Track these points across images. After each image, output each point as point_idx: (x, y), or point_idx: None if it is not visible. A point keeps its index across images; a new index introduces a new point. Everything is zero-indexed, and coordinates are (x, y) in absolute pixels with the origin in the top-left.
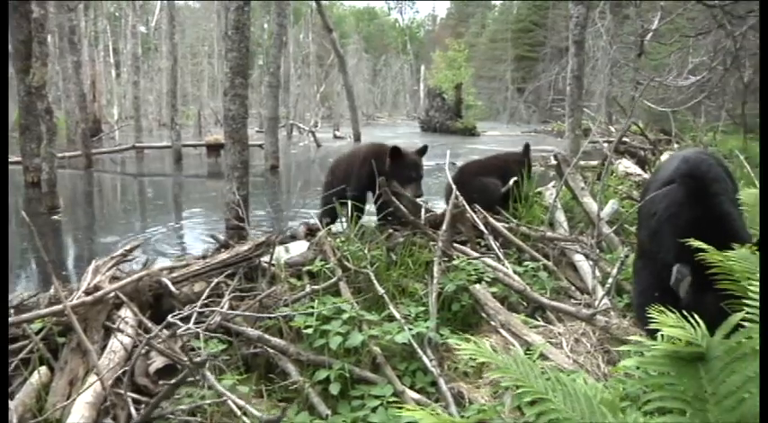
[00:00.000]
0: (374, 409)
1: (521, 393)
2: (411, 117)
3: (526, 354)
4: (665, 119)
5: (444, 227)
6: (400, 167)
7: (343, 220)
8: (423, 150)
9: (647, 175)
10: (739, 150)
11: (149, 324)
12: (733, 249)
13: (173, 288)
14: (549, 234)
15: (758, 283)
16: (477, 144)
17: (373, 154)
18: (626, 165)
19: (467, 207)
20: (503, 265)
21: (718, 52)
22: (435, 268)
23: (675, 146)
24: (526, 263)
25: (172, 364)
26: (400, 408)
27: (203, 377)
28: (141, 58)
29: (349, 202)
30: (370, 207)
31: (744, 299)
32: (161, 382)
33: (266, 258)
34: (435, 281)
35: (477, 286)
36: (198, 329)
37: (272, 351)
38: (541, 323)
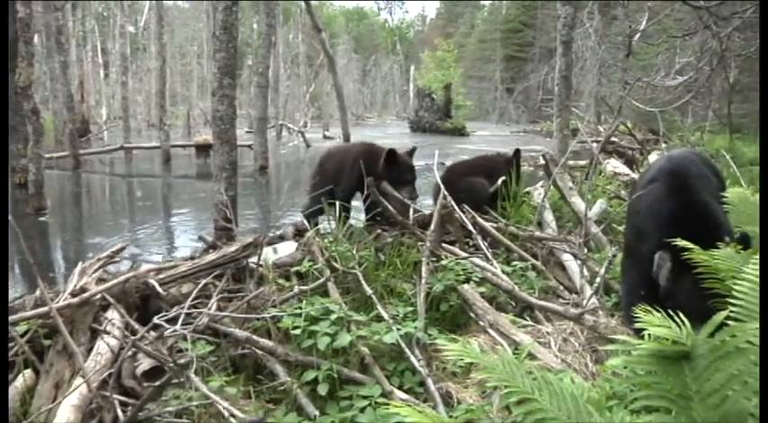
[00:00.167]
0: (362, 410)
1: (507, 393)
2: (401, 117)
3: (514, 353)
4: (653, 119)
5: (432, 227)
6: (395, 170)
7: (331, 219)
8: (411, 152)
9: (635, 175)
10: (726, 150)
11: (136, 326)
12: (714, 241)
13: (160, 289)
14: (538, 234)
15: (744, 282)
16: (466, 144)
17: (365, 154)
18: (614, 164)
19: (455, 207)
20: (491, 264)
21: (704, 53)
22: (423, 268)
23: (663, 145)
24: (514, 262)
25: (159, 365)
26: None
27: (188, 379)
28: (130, 58)
29: (337, 203)
30: (359, 205)
31: (728, 297)
32: (146, 384)
33: (254, 259)
34: (423, 281)
35: (466, 286)
36: (185, 331)
37: (260, 352)
38: (530, 323)
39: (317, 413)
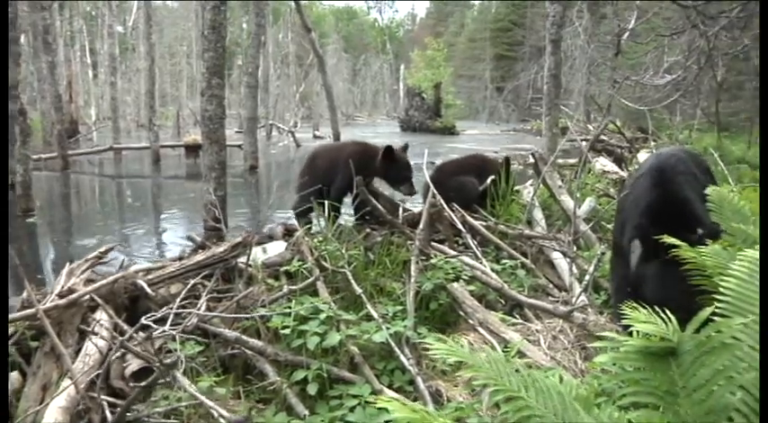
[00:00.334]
0: (352, 409)
1: (495, 391)
2: (391, 116)
3: (504, 351)
4: (642, 117)
5: (422, 226)
6: (394, 167)
7: (321, 219)
8: (404, 148)
9: (623, 173)
10: (713, 148)
11: (125, 326)
12: (688, 232)
13: (149, 290)
14: (527, 232)
15: (730, 278)
16: (456, 143)
17: (359, 153)
18: (603, 163)
19: (444, 206)
20: (480, 263)
21: (692, 52)
22: (413, 267)
23: (652, 144)
24: (504, 261)
25: (149, 366)
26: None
27: (174, 378)
28: (119, 58)
29: (326, 202)
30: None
31: (714, 293)
32: (132, 385)
33: (243, 259)
34: (413, 279)
35: (455, 285)
36: (174, 331)
37: (249, 352)
38: (519, 321)
39: (306, 413)
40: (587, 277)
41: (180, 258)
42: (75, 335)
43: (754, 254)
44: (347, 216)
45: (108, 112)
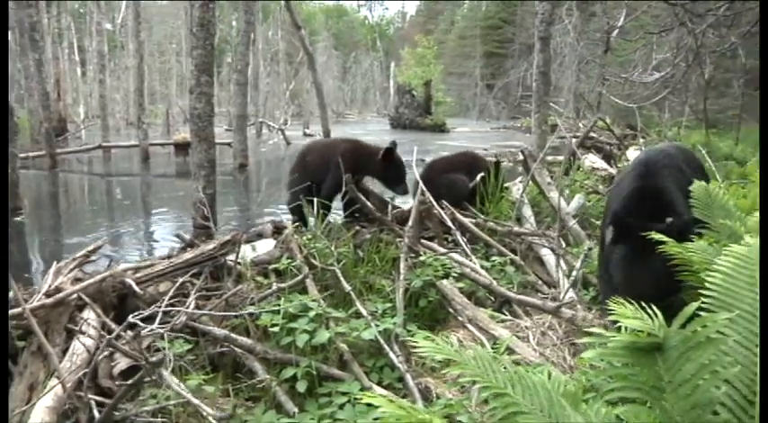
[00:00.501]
0: (341, 406)
1: (483, 388)
2: (381, 114)
3: (493, 348)
4: (632, 114)
5: (411, 223)
6: (393, 167)
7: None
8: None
9: (612, 170)
10: (701, 145)
11: (113, 325)
12: (661, 220)
13: (137, 288)
14: (516, 229)
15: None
16: (446, 140)
17: (354, 151)
18: (592, 160)
19: (434, 203)
20: (470, 260)
21: (680, 49)
22: (402, 264)
23: (641, 141)
24: (493, 258)
25: (137, 365)
26: (368, 405)
27: (160, 376)
28: (107, 55)
29: (315, 199)
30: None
31: (701, 289)
32: (118, 384)
33: (232, 257)
34: (402, 277)
35: (445, 282)
36: (162, 330)
37: (238, 350)
38: (508, 317)
39: (296, 410)
40: (575, 273)
41: (169, 257)
42: (62, 334)
43: (740, 249)
44: (337, 214)
45: (97, 110)
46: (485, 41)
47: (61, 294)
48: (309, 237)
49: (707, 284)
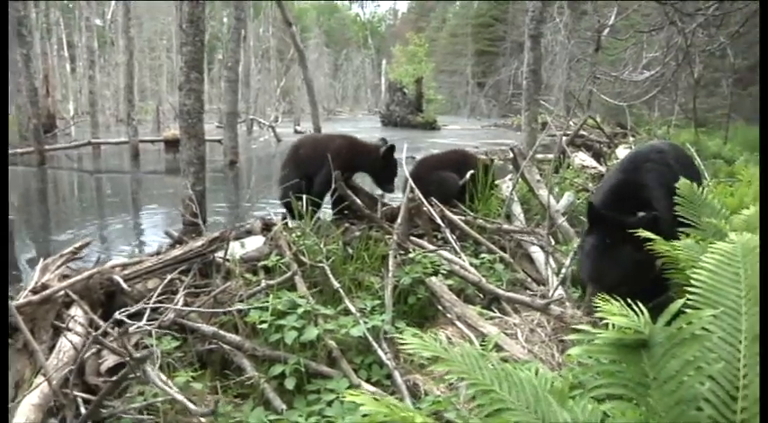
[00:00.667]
0: (330, 403)
1: (471, 385)
2: (372, 111)
3: (481, 345)
4: (622, 113)
5: (399, 220)
6: (390, 165)
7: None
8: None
9: (602, 168)
10: (691, 143)
11: (100, 322)
12: (633, 213)
13: (125, 285)
14: (506, 226)
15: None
16: (437, 138)
17: (350, 146)
18: (582, 158)
19: (423, 200)
20: (459, 257)
21: (670, 48)
22: (390, 261)
23: (631, 139)
24: (482, 255)
25: (124, 362)
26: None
27: (144, 373)
28: (97, 51)
29: (304, 196)
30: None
31: (687, 286)
32: (103, 380)
33: (221, 254)
34: (390, 274)
35: (434, 279)
36: (149, 327)
37: (227, 347)
38: (497, 314)
39: (284, 407)
40: (564, 270)
41: (157, 253)
42: (49, 331)
43: (724, 246)
44: (327, 208)
45: (86, 107)
46: (476, 39)
47: (48, 291)
48: (299, 234)
49: (692, 282)
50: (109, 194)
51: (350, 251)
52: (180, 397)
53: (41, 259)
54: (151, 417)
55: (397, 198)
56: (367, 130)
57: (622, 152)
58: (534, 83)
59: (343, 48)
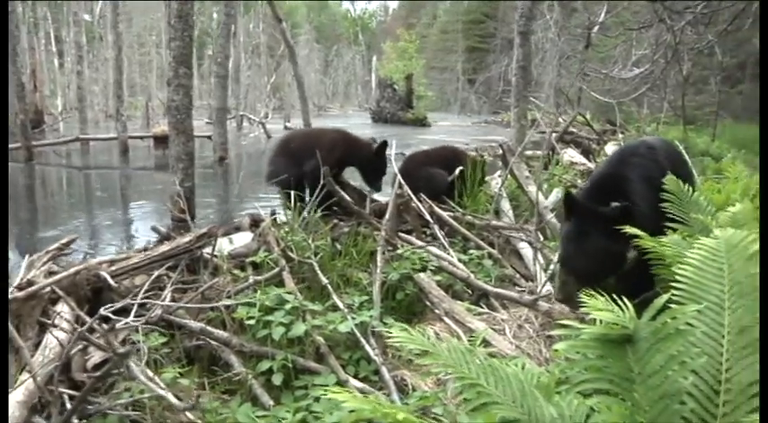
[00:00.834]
0: (317, 399)
1: (458, 379)
2: (362, 108)
3: (469, 341)
4: (611, 110)
5: (387, 216)
6: (381, 161)
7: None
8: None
9: (591, 165)
10: (679, 141)
11: (87, 318)
12: (608, 203)
13: (111, 281)
14: (494, 222)
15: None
16: (427, 134)
17: (346, 141)
18: (571, 154)
19: (412, 196)
20: (448, 253)
21: (659, 46)
22: (378, 257)
23: (620, 136)
24: (471, 251)
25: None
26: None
27: (127, 369)
28: (86, 47)
29: (292, 192)
30: None
31: (671, 282)
32: (88, 376)
33: (208, 250)
34: (378, 270)
35: (422, 275)
36: (136, 323)
37: (214, 343)
38: (485, 310)
39: (272, 403)
40: (552, 266)
41: (144, 249)
42: (35, 328)
43: (709, 242)
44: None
45: (75, 103)
46: (467, 36)
47: (33, 288)
48: (287, 230)
49: (677, 277)
50: (97, 191)
51: (338, 247)
52: (162, 391)
53: (27, 255)
54: (138, 413)
55: (386, 194)
56: (357, 126)
57: (611, 149)
58: (523, 79)
59: (334, 44)
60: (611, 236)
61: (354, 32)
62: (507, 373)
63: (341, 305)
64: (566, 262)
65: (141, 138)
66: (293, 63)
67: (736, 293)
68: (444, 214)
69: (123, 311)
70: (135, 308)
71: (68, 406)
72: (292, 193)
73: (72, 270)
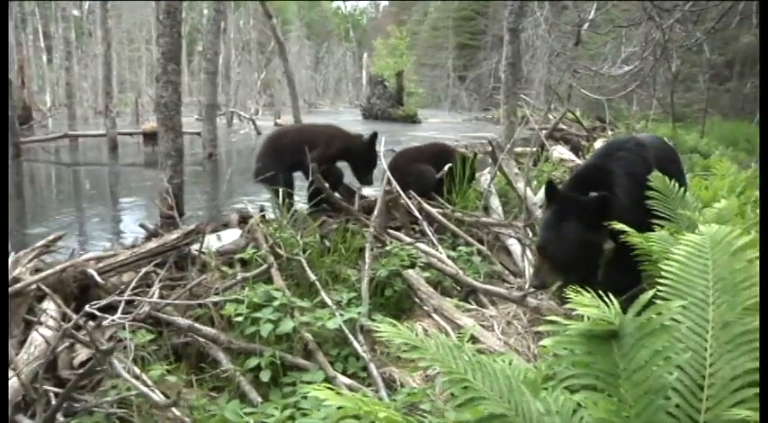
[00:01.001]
0: (306, 396)
1: (446, 374)
2: (353, 104)
3: (458, 337)
4: (601, 107)
5: (376, 212)
6: (370, 155)
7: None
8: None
9: (580, 161)
10: (668, 138)
11: (73, 316)
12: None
13: (98, 278)
14: (483, 219)
15: (672, 263)
16: (417, 131)
17: (341, 137)
18: (560, 151)
19: (401, 193)
20: (436, 250)
21: (648, 43)
22: (367, 254)
23: (609, 133)
24: (460, 248)
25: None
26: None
27: (111, 365)
28: (75, 43)
29: (281, 190)
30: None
31: (658, 278)
32: (72, 373)
33: (196, 246)
34: (367, 266)
35: (410, 271)
36: (123, 320)
37: (202, 340)
38: (474, 307)
39: (259, 400)
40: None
41: (132, 246)
42: (20, 325)
43: (694, 238)
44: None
45: (64, 99)
46: (457, 33)
47: (19, 285)
48: (275, 226)
49: (662, 273)
50: (86, 187)
51: (327, 244)
52: (144, 388)
53: (12, 253)
54: (125, 410)
55: (376, 190)
56: (348, 123)
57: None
58: (513, 76)
59: (325, 40)
60: (589, 225)
61: (345, 29)
62: (495, 368)
63: (329, 302)
64: (541, 249)
65: (130, 134)
66: (283, 59)
67: (720, 289)
68: (433, 211)
69: (111, 309)
70: (122, 305)
71: (53, 403)
72: (281, 189)
73: (58, 267)
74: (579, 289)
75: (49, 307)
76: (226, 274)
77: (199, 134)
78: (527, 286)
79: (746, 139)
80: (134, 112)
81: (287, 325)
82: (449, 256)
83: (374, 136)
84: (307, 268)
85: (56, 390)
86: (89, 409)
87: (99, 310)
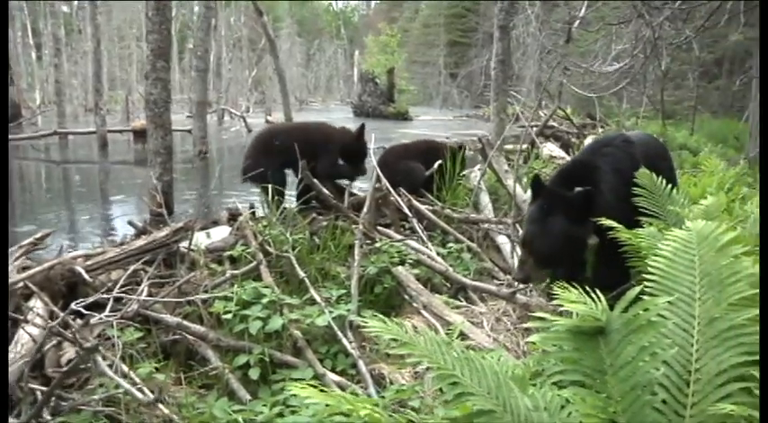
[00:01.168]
0: (295, 393)
1: (435, 370)
2: (344, 102)
3: (447, 333)
4: (592, 104)
5: (366, 209)
6: (363, 146)
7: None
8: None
9: (569, 158)
10: (658, 135)
11: (61, 314)
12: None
13: (86, 276)
14: (473, 216)
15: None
16: (408, 128)
17: (335, 133)
18: (551, 148)
19: (390, 190)
20: (426, 247)
21: (638, 41)
22: (356, 250)
23: (600, 130)
24: (450, 245)
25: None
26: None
27: (95, 363)
28: (64, 39)
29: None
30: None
31: (645, 274)
32: (53, 370)
33: (185, 244)
34: (356, 263)
35: (400, 268)
36: (111, 318)
37: (191, 338)
38: (464, 304)
39: (249, 397)
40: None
41: (121, 244)
42: (7, 323)
43: (680, 234)
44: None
45: (53, 96)
46: (449, 30)
47: None
48: (265, 223)
49: (649, 269)
50: (76, 185)
51: (316, 241)
52: (127, 385)
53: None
54: (113, 408)
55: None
56: (339, 120)
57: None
58: (503, 73)
59: (316, 38)
60: (574, 220)
61: (336, 26)
62: (483, 364)
63: (318, 299)
64: (526, 242)
65: (120, 132)
66: (274, 57)
67: (706, 285)
68: (423, 208)
69: (100, 307)
70: (110, 303)
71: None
72: (270, 187)
73: (46, 265)
74: (567, 285)
75: (37, 305)
76: (215, 272)
77: (189, 131)
78: (511, 278)
79: (735, 137)
80: (124, 109)
81: (276, 322)
82: (438, 253)
83: (362, 127)
84: (296, 265)
85: (42, 388)
86: (76, 408)
87: (88, 308)
